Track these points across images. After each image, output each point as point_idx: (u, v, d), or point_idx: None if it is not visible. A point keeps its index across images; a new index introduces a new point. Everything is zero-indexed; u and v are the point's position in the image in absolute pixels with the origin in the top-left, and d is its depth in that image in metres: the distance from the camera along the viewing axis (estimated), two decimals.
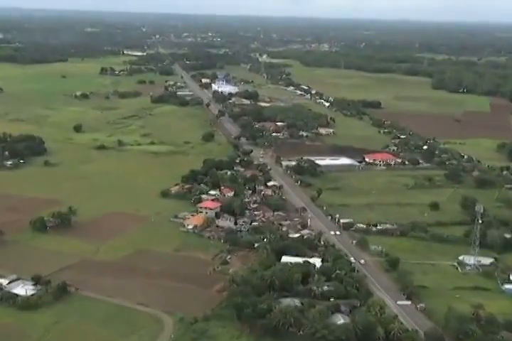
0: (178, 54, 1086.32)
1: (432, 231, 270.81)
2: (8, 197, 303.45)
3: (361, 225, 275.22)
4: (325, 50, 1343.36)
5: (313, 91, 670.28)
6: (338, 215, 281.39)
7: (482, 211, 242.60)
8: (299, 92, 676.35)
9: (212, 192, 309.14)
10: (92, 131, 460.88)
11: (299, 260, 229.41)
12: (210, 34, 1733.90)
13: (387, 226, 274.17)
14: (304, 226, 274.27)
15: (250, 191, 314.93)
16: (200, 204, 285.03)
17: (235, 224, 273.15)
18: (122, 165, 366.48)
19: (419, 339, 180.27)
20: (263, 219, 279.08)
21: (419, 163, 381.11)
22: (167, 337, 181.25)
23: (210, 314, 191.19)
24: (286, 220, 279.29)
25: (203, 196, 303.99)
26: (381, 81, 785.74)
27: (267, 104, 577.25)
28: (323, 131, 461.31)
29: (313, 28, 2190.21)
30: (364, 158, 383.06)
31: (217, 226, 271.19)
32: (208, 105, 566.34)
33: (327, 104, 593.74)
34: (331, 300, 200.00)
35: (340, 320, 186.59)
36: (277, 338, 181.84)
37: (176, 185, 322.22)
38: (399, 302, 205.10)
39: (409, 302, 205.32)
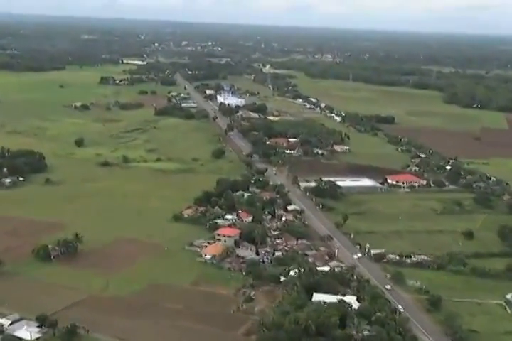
0: (179, 63, 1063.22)
1: (470, 263, 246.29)
2: (8, 220, 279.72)
3: (393, 256, 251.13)
4: (329, 60, 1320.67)
5: (323, 105, 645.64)
6: (368, 245, 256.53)
7: None
8: (307, 105, 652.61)
9: (228, 216, 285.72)
10: (94, 145, 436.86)
11: (333, 298, 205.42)
12: (210, 43, 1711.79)
13: (422, 257, 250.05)
14: (331, 256, 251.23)
15: (269, 216, 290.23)
16: (217, 231, 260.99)
17: (257, 253, 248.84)
18: (129, 184, 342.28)
19: None
20: (286, 248, 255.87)
21: (444, 185, 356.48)
22: None
23: None
24: (311, 250, 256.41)
25: (219, 221, 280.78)
26: (390, 94, 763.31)
27: (276, 118, 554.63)
28: (338, 148, 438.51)
29: (314, 38, 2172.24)
30: (386, 179, 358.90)
31: (238, 256, 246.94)
32: (214, 118, 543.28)
33: (338, 119, 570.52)
34: None
35: None
36: None
37: (189, 207, 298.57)
38: None
39: None
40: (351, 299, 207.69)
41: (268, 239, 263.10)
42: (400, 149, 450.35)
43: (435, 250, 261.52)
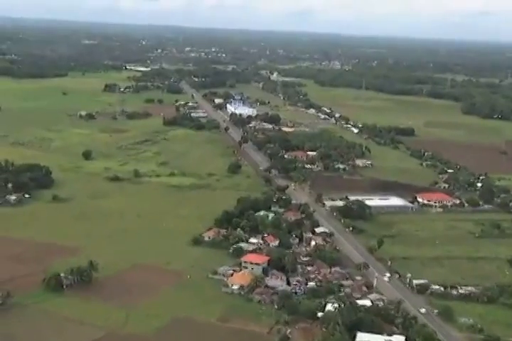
0: (184, 70, 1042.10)
1: None
2: (14, 243, 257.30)
3: (437, 287, 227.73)
4: (337, 68, 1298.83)
5: (337, 115, 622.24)
6: (410, 275, 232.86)
7: None
8: (322, 116, 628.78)
9: (253, 240, 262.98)
10: (102, 157, 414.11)
11: (379, 339, 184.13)
12: (213, 49, 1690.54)
13: (470, 289, 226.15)
14: (370, 287, 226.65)
15: (297, 239, 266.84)
16: (244, 258, 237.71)
17: (288, 283, 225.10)
18: (142, 202, 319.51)
19: None
20: (319, 277, 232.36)
21: (478, 205, 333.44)
22: None
23: None
24: (346, 279, 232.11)
25: (243, 245, 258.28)
26: (405, 104, 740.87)
27: (290, 129, 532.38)
28: (359, 162, 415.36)
29: (319, 44, 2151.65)
30: (416, 198, 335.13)
31: (267, 286, 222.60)
32: (226, 129, 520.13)
33: (355, 130, 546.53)
34: None
35: None
36: None
37: (209, 229, 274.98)
38: None
39: None
40: (399, 340, 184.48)
41: (298, 267, 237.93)
42: (424, 164, 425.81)
43: (481, 280, 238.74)
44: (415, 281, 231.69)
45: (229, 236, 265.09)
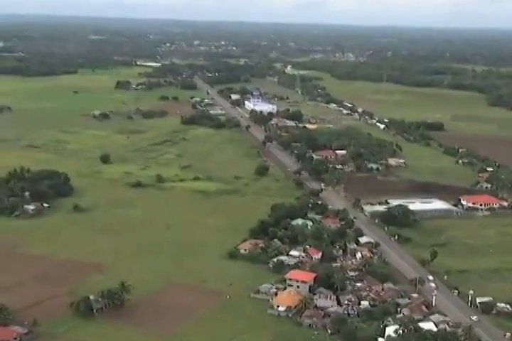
0: (196, 65, 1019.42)
1: None
2: (35, 260, 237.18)
3: (503, 305, 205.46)
4: (351, 60, 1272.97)
5: (360, 110, 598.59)
6: (472, 292, 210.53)
7: None
8: (344, 111, 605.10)
9: (294, 252, 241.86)
10: (121, 161, 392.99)
11: None
12: (223, 42, 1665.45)
13: None
14: (429, 306, 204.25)
15: (341, 251, 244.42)
16: (288, 275, 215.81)
17: (338, 303, 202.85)
18: (168, 211, 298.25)
19: None
20: (371, 295, 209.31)
21: None
22: None
23: None
24: (402, 297, 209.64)
25: (283, 258, 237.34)
26: (427, 97, 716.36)
27: (313, 126, 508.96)
28: (392, 161, 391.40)
29: (330, 36, 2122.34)
30: (460, 201, 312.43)
31: (316, 307, 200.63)
32: (247, 128, 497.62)
33: (381, 126, 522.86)
34: None
35: None
36: None
37: (245, 241, 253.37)
38: None
39: None
40: None
41: (347, 283, 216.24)
42: (460, 162, 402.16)
43: None
44: (478, 299, 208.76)
45: (267, 249, 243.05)
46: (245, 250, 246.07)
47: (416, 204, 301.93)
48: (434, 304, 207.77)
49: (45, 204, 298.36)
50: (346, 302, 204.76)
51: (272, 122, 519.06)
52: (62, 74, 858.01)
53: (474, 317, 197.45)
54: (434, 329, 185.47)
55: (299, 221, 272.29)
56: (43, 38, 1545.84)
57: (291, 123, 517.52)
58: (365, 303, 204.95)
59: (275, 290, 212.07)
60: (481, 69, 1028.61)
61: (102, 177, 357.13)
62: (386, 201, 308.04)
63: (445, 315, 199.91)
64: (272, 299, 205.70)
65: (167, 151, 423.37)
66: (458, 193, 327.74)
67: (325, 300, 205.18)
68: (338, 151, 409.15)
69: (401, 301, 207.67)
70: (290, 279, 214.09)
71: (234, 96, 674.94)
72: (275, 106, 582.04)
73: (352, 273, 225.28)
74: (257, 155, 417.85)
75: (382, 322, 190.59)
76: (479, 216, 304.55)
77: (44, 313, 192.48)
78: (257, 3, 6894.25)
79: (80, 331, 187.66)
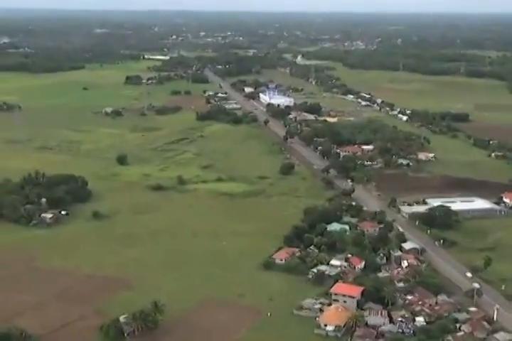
0: (205, 57, 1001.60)
1: None
2: (58, 276, 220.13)
3: None
4: (362, 48, 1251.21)
5: (379, 101, 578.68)
6: None
7: None
8: (363, 102, 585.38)
9: (335, 262, 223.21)
10: (138, 162, 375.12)
11: None
12: (229, 33, 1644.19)
13: None
14: (490, 321, 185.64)
15: (385, 259, 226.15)
16: (333, 289, 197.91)
17: (390, 320, 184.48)
18: (193, 216, 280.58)
19: None
20: (426, 309, 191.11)
21: None
22: None
23: None
24: (459, 311, 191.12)
25: (323, 268, 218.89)
26: (445, 85, 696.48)
27: (334, 119, 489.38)
28: (422, 156, 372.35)
29: (335, 24, 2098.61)
30: (502, 198, 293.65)
31: (367, 324, 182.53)
32: (266, 122, 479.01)
33: (404, 118, 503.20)
34: None
35: None
36: None
37: (279, 249, 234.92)
38: None
39: None
40: None
41: (397, 296, 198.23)
42: (493, 155, 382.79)
43: None
44: None
45: (305, 258, 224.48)
46: (281, 260, 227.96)
47: (457, 204, 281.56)
48: (495, 319, 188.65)
49: (63, 212, 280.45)
50: (400, 319, 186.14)
51: (291, 116, 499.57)
52: (70, 70, 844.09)
53: None
54: None
55: (336, 226, 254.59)
56: (48, 32, 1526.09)
57: (310, 116, 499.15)
58: (420, 320, 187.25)
59: (320, 305, 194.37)
60: (495, 55, 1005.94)
61: (119, 179, 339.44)
62: (424, 200, 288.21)
63: (511, 332, 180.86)
64: (318, 316, 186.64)
65: (185, 150, 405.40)
66: (497, 190, 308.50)
67: (376, 317, 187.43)
68: (364, 146, 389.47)
69: (459, 316, 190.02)
70: (336, 294, 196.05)
71: (247, 89, 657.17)
72: (292, 99, 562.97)
73: (400, 285, 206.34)
74: (279, 152, 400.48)
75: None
76: None
77: (71, 338, 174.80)
78: None
79: None
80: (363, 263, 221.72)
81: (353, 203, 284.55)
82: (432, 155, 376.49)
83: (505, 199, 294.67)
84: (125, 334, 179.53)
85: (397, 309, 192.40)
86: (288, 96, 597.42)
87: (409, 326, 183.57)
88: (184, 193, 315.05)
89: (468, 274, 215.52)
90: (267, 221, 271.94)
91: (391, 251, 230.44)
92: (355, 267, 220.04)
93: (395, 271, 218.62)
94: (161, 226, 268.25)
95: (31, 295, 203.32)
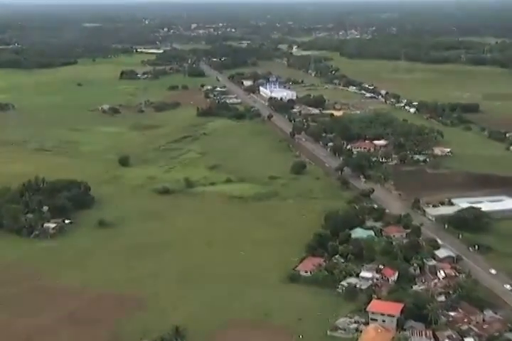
0: (199, 50, 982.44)
1: None
2: (66, 294, 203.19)
3: None
4: (357, 37, 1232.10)
5: (383, 92, 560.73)
6: None
7: None
8: (367, 94, 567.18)
9: (365, 274, 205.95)
10: (141, 163, 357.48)
11: None
12: (220, 24, 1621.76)
13: None
14: None
15: (418, 268, 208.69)
16: (370, 307, 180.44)
17: None
18: (205, 222, 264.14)
19: None
20: (474, 328, 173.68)
21: None
22: None
23: None
24: (510, 331, 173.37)
25: (353, 280, 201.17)
26: (449, 74, 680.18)
27: (339, 113, 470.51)
28: (438, 151, 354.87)
29: (327, 13, 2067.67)
30: None
31: None
32: (269, 117, 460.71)
33: (412, 110, 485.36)
34: None
35: None
36: None
37: (303, 259, 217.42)
38: None
39: None
40: None
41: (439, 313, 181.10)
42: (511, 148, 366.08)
43: None
44: None
45: (333, 270, 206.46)
46: (306, 271, 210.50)
47: (485, 204, 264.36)
48: None
49: (67, 221, 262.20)
50: (446, 340, 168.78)
51: (295, 110, 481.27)
52: (62, 66, 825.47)
53: None
54: None
55: (360, 232, 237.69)
56: (38, 28, 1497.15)
57: (315, 110, 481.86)
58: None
59: (355, 325, 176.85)
60: (493, 41, 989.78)
61: (123, 183, 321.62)
62: (450, 201, 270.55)
63: None
64: (356, 339, 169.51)
65: (189, 149, 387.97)
66: None
67: (421, 338, 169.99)
68: (375, 142, 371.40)
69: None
70: (373, 312, 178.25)
71: (246, 83, 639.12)
72: (294, 92, 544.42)
73: (441, 299, 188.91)
74: (287, 149, 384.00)
75: None
76: None
77: None
78: None
79: None
80: (396, 274, 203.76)
81: (375, 205, 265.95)
82: (448, 149, 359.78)
83: None
84: None
85: (442, 328, 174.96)
86: (289, 88, 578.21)
87: None
88: (193, 197, 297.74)
89: (507, 286, 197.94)
90: (285, 227, 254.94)
91: (425, 260, 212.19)
92: (388, 279, 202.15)
93: (432, 283, 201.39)
94: (172, 235, 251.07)
95: (39, 318, 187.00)
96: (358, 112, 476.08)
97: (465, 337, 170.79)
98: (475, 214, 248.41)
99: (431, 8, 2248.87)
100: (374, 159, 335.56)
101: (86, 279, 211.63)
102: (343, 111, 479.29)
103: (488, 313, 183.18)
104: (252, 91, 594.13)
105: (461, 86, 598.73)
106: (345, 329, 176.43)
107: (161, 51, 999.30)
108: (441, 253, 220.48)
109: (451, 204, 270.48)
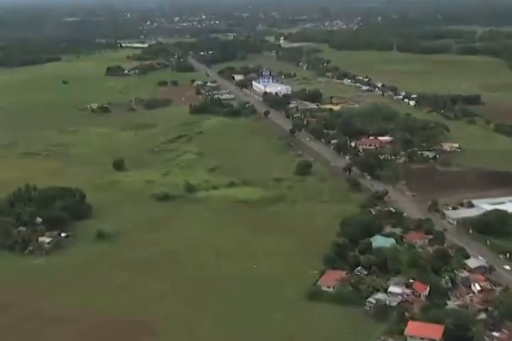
0: (185, 43, 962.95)
1: None
2: (66, 321, 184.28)
3: None
4: (344, 28, 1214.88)
5: (379, 84, 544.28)
6: None
7: None
8: (363, 87, 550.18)
9: (394, 289, 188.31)
10: (136, 166, 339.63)
11: None
12: (203, 17, 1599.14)
13: None
14: None
15: (450, 281, 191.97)
16: (409, 331, 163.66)
17: None
18: (211, 231, 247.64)
19: None
20: None
21: None
22: None
23: None
24: None
25: (381, 297, 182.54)
26: (442, 64, 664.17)
27: (337, 107, 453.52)
28: (446, 146, 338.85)
29: (310, 3, 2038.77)
30: None
31: None
32: (266, 114, 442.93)
33: (412, 103, 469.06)
34: None
35: None
36: None
37: (323, 273, 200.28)
38: None
39: None
40: None
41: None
42: None
43: None
44: None
45: (358, 285, 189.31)
46: (329, 287, 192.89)
47: (508, 205, 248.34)
48: None
49: (63, 234, 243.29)
50: None
51: (291, 106, 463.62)
52: (46, 62, 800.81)
53: None
54: None
55: (381, 239, 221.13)
56: (17, 23, 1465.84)
57: (312, 105, 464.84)
58: None
59: None
60: (480, 30, 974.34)
61: (120, 188, 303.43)
62: (470, 202, 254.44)
63: None
64: None
65: (186, 150, 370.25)
66: None
67: None
68: (380, 138, 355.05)
69: None
70: (411, 336, 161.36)
71: (237, 77, 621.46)
72: (289, 87, 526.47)
73: (481, 317, 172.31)
74: (288, 148, 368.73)
75: None
76: None
77: None
78: None
79: None
80: (428, 288, 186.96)
81: (392, 209, 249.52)
82: (456, 145, 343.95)
83: None
84: None
85: None
86: (281, 83, 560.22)
87: None
88: (195, 203, 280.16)
89: None
90: (297, 235, 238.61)
91: (456, 272, 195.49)
92: (420, 294, 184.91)
93: (467, 298, 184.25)
94: (177, 246, 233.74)
95: None
96: (357, 106, 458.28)
97: None
98: (501, 217, 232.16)
99: None
100: (382, 157, 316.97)
101: (87, 301, 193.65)
102: (341, 106, 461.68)
103: None
104: (244, 86, 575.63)
105: (456, 77, 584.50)
106: None
107: (146, 45, 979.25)
108: (472, 262, 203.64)
109: (471, 205, 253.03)
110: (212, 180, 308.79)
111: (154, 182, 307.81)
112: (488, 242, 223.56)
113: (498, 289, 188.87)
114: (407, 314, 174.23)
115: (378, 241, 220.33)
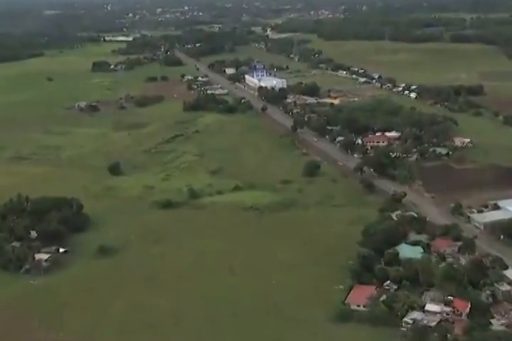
0: (171, 36, 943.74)
1: None
2: None
3: None
4: (329, 17, 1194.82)
5: (375, 76, 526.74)
6: None
7: None
8: (361, 79, 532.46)
9: (432, 307, 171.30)
10: (133, 170, 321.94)
11: None
12: (186, 8, 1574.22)
13: None
14: None
15: (491, 296, 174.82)
16: None
17: None
18: (221, 242, 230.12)
19: None
20: None
21: None
22: None
23: None
24: None
25: (418, 316, 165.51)
26: (435, 53, 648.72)
27: (336, 101, 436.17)
28: (458, 141, 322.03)
29: None
30: None
31: None
32: (264, 110, 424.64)
33: (413, 95, 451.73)
34: None
35: None
36: None
37: (351, 289, 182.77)
38: None
39: None
40: None
41: None
42: None
43: None
44: None
45: (392, 303, 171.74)
46: (359, 305, 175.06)
47: None
48: None
49: (61, 249, 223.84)
50: None
51: (289, 100, 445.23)
52: (28, 58, 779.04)
53: None
54: None
55: (407, 248, 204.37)
56: None
57: (311, 99, 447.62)
58: None
59: None
60: (468, 17, 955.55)
61: (118, 195, 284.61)
62: (495, 204, 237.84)
63: None
64: None
65: (184, 151, 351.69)
66: None
67: None
68: (388, 134, 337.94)
69: None
70: None
71: (229, 71, 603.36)
72: (285, 80, 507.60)
73: None
74: (291, 146, 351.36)
75: None
76: None
77: None
78: None
79: None
80: (469, 306, 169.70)
81: (415, 214, 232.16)
82: (468, 140, 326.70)
83: None
84: None
85: None
86: (274, 76, 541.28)
87: None
88: (200, 210, 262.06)
89: None
90: (314, 244, 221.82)
91: (496, 285, 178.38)
92: (461, 313, 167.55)
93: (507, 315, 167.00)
94: (186, 260, 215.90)
95: None
96: (356, 100, 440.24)
97: None
98: None
99: None
100: (393, 155, 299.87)
101: (92, 327, 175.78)
102: (340, 99, 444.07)
103: None
104: (236, 80, 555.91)
105: (452, 66, 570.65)
106: None
107: (130, 39, 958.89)
108: (510, 273, 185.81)
109: (496, 207, 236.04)
110: (216, 183, 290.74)
111: (154, 188, 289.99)
112: None
113: None
114: (448, 335, 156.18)
115: (405, 251, 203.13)
